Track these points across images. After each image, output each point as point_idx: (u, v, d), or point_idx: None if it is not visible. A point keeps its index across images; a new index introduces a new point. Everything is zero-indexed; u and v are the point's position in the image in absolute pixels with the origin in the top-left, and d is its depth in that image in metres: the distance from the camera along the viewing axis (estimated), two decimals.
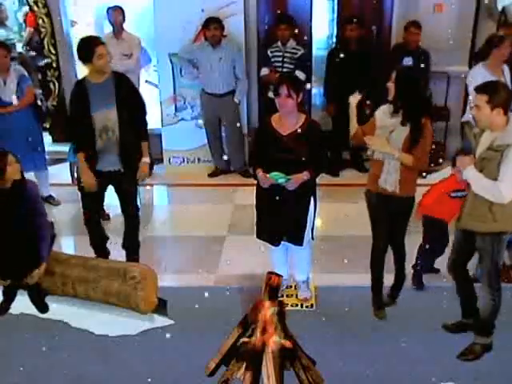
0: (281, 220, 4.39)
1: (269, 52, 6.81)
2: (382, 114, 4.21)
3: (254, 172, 4.43)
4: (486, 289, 3.95)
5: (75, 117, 4.81)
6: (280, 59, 6.73)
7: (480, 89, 3.64)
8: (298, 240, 4.48)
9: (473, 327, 4.18)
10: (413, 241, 4.68)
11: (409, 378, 3.92)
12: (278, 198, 4.28)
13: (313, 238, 4.57)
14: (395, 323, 4.40)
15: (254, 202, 4.56)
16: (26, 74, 6.25)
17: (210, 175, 7.23)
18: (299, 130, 4.27)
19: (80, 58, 4.72)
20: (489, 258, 3.87)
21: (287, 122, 4.30)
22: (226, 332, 3.15)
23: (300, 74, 6.45)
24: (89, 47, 4.63)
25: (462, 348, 4.10)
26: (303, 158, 4.23)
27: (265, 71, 6.81)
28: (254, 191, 4.54)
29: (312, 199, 4.45)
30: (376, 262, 4.47)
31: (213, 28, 6.56)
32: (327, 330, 4.32)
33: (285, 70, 6.67)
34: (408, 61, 6.60)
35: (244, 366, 3.05)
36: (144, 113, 4.90)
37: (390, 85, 4.10)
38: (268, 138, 4.33)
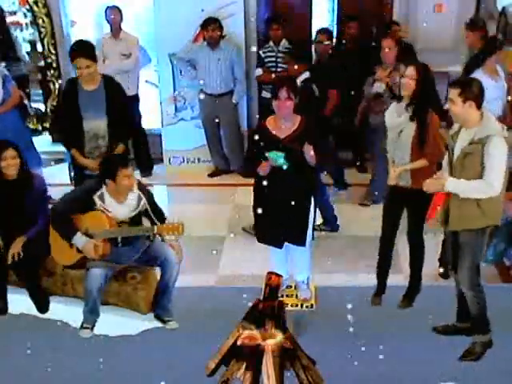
0: (282, 221, 4.38)
1: (261, 52, 6.82)
2: (391, 113, 4.31)
3: (252, 174, 4.39)
4: (468, 286, 3.95)
5: (64, 119, 4.90)
6: (273, 59, 6.73)
7: (453, 83, 3.77)
8: (300, 241, 4.48)
9: (467, 331, 4.18)
10: (432, 239, 4.69)
11: (409, 378, 3.92)
12: (283, 200, 4.26)
13: (313, 238, 4.57)
14: (395, 323, 4.40)
15: (252, 206, 4.54)
16: (7, 73, 6.19)
17: (210, 175, 7.23)
18: (296, 133, 4.26)
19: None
20: (471, 253, 3.88)
21: (284, 124, 4.28)
22: (226, 332, 3.15)
23: None
24: (71, 53, 4.77)
25: (462, 348, 4.10)
26: (301, 160, 4.21)
27: (258, 72, 6.80)
28: (252, 196, 4.54)
29: (312, 199, 4.45)
30: (383, 248, 4.58)
31: (211, 29, 6.55)
32: (327, 329, 4.32)
33: (279, 69, 6.66)
34: None
35: (244, 365, 3.05)
36: (127, 117, 5.02)
37: (407, 81, 4.14)
38: (265, 141, 4.28)
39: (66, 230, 4.25)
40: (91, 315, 4.42)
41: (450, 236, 4.06)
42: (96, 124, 4.77)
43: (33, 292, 4.65)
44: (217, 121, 6.95)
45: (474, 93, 3.65)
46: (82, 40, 5.10)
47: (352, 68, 6.53)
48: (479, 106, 3.68)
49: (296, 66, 5.66)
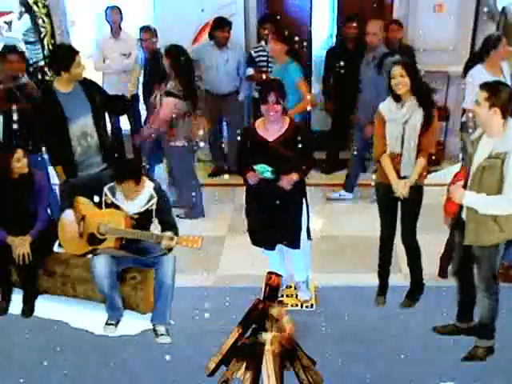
0: (275, 225, 4.37)
1: (252, 52, 6.80)
2: (388, 107, 4.28)
3: (243, 176, 4.37)
4: (484, 293, 3.94)
5: (47, 127, 4.88)
6: (265, 59, 6.70)
7: (483, 86, 3.67)
8: (293, 243, 4.48)
9: (467, 332, 4.18)
10: (432, 240, 4.68)
11: (409, 378, 3.92)
12: (274, 202, 4.25)
13: (310, 238, 4.57)
14: (395, 323, 4.40)
15: (245, 209, 4.55)
16: None
17: (211, 175, 7.23)
18: (284, 136, 4.25)
19: (58, 66, 4.79)
20: (487, 264, 3.86)
21: (272, 127, 4.26)
22: (226, 332, 3.15)
23: None
24: (69, 55, 4.73)
25: (462, 347, 4.10)
26: (290, 163, 4.20)
27: (250, 71, 6.76)
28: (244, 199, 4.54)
29: (304, 200, 4.46)
30: (382, 248, 4.60)
31: (226, 30, 6.52)
32: (327, 330, 4.32)
33: (270, 70, 6.67)
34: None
35: (244, 365, 3.06)
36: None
37: (400, 80, 4.16)
38: (254, 144, 4.28)
39: (64, 201, 4.45)
40: (112, 312, 4.45)
41: (460, 243, 3.98)
42: (83, 122, 4.81)
43: (29, 293, 4.65)
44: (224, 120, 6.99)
45: (501, 100, 3.56)
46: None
47: (352, 68, 6.54)
48: (505, 115, 3.60)
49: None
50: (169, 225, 4.34)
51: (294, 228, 4.43)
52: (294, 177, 4.22)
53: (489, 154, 3.62)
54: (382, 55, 5.92)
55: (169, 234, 4.13)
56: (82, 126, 4.81)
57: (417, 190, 4.30)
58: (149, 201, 4.31)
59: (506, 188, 3.56)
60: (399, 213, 4.45)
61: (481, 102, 3.60)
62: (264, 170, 4.20)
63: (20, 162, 4.49)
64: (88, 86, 4.89)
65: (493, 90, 3.60)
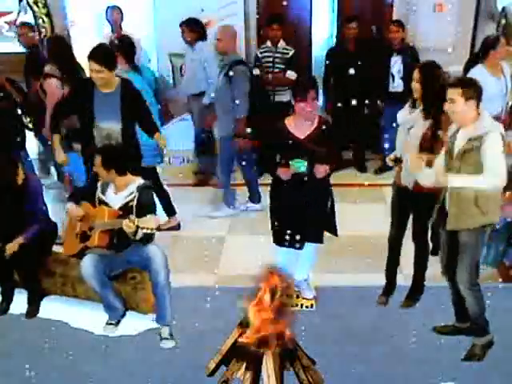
0: (304, 223, 4.38)
1: (258, 53, 6.79)
2: (403, 111, 4.36)
3: (273, 175, 4.39)
4: (467, 286, 3.97)
5: (65, 113, 4.97)
6: (271, 59, 6.70)
7: (453, 83, 3.80)
8: (319, 238, 4.52)
9: (467, 331, 4.19)
10: None
11: (409, 378, 3.92)
12: (306, 200, 4.29)
13: (337, 234, 4.65)
14: (395, 323, 4.41)
15: (270, 210, 4.54)
16: None
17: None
18: (315, 132, 4.30)
19: None
20: (471, 253, 3.91)
21: (304, 124, 4.30)
22: (226, 332, 3.15)
23: (291, 75, 6.48)
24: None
25: (462, 348, 4.10)
26: (321, 159, 4.23)
27: (256, 72, 6.68)
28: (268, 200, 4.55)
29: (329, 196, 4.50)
30: (390, 248, 4.61)
31: (189, 29, 6.46)
32: (327, 329, 4.32)
33: (276, 70, 6.66)
34: (396, 60, 6.62)
35: (244, 366, 3.05)
36: (150, 115, 5.09)
37: (414, 84, 4.18)
38: (284, 142, 4.28)
39: (70, 197, 4.57)
40: (110, 311, 4.47)
41: (445, 236, 4.06)
42: (110, 126, 4.76)
43: (33, 294, 4.66)
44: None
45: (475, 92, 3.71)
46: (100, 44, 5.03)
47: (352, 68, 6.55)
48: (478, 105, 3.75)
49: None
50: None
51: (321, 224, 4.49)
52: (328, 167, 4.24)
53: (469, 137, 3.73)
54: (231, 63, 5.62)
55: (132, 217, 4.09)
56: (107, 129, 4.76)
57: (428, 198, 4.22)
58: (129, 195, 4.31)
59: (490, 164, 3.65)
60: (411, 214, 4.44)
61: (455, 99, 3.70)
62: (300, 165, 4.23)
63: (18, 175, 4.51)
64: (126, 93, 4.80)
65: (465, 84, 3.75)
